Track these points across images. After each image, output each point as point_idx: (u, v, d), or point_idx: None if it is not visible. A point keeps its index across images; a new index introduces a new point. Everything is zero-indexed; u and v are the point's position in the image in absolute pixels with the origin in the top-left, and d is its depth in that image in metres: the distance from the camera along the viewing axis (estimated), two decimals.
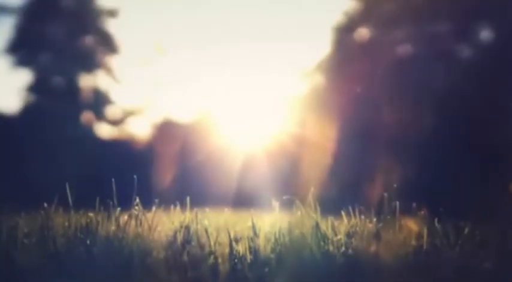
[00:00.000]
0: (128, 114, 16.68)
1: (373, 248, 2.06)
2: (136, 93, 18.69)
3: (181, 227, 2.28)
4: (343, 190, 8.50)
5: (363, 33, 14.67)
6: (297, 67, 17.25)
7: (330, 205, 2.44)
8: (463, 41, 14.03)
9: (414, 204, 2.33)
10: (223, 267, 2.08)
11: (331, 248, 2.17)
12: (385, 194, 2.29)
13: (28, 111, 16.05)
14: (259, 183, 10.44)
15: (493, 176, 9.63)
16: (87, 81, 16.69)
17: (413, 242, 2.20)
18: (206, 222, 2.30)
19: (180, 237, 2.25)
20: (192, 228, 2.28)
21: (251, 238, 2.20)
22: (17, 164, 13.06)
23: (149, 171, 10.68)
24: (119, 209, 2.30)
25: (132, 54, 18.97)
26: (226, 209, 3.06)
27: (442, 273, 1.96)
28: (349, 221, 2.32)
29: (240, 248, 2.18)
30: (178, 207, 2.39)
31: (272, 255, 2.13)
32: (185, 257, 2.12)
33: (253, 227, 2.23)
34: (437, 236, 2.25)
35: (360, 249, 2.11)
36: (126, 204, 2.31)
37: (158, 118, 16.57)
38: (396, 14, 14.02)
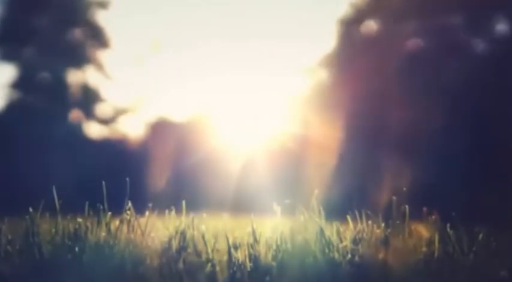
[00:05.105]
0: (119, 112, 16.67)
1: (381, 255, 2.06)
2: (128, 90, 18.66)
3: (176, 232, 2.28)
4: (349, 193, 8.50)
5: (371, 26, 14.68)
6: (299, 63, 17.24)
7: (335, 209, 2.45)
8: (477, 34, 14.04)
9: (425, 209, 2.34)
10: (222, 276, 2.09)
11: (336, 255, 2.17)
12: (394, 198, 2.30)
13: (12, 109, 16.05)
14: (259, 186, 10.44)
15: (510, 180, 9.63)
16: (75, 77, 16.68)
17: (424, 249, 2.20)
18: (203, 227, 2.30)
19: (175, 244, 2.25)
20: (188, 234, 2.28)
21: (251, 245, 2.20)
22: None
23: (142, 173, 10.68)
24: (109, 213, 2.30)
25: (124, 49, 18.94)
26: (224, 214, 3.06)
27: None
28: (355, 227, 2.32)
29: (240, 255, 2.18)
30: (173, 212, 2.39)
31: (273, 263, 2.13)
32: (181, 265, 2.12)
33: (254, 232, 2.23)
34: (449, 243, 2.25)
35: (367, 257, 2.11)
36: (117, 208, 2.31)
37: (152, 117, 16.54)
38: (406, 6, 14.02)
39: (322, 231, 2.21)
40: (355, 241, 2.24)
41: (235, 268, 2.13)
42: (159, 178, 11.03)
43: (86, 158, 13.76)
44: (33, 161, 13.53)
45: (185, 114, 19.31)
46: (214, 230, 2.61)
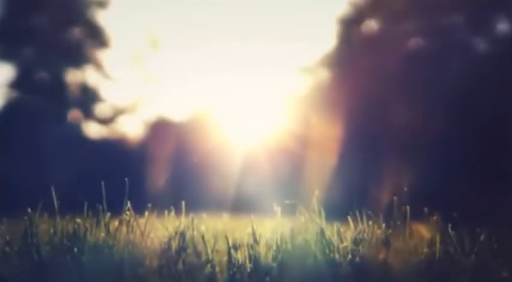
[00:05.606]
0: (118, 112, 16.67)
1: (381, 256, 2.06)
2: (128, 90, 18.66)
3: (176, 233, 2.28)
4: (350, 194, 8.50)
5: (371, 25, 14.68)
6: (299, 63, 17.24)
7: (336, 210, 2.44)
8: (478, 34, 14.04)
9: (426, 209, 2.33)
10: (221, 277, 2.09)
11: (336, 256, 2.17)
12: (395, 198, 2.29)
13: (10, 109, 16.04)
14: (259, 186, 10.44)
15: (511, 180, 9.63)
16: (74, 77, 16.68)
17: (425, 250, 2.20)
18: (203, 228, 2.30)
19: (174, 245, 2.25)
20: (188, 234, 2.28)
21: (251, 245, 2.20)
22: None
23: (142, 174, 10.67)
24: (108, 214, 2.30)
25: (123, 49, 18.94)
26: (224, 214, 3.06)
27: None
28: (356, 227, 2.32)
29: (239, 255, 2.18)
30: (172, 212, 2.39)
31: (273, 264, 2.13)
32: (180, 266, 2.12)
33: (254, 233, 2.23)
34: (451, 243, 2.25)
35: (367, 257, 2.11)
36: (116, 209, 2.31)
37: (151, 116, 16.54)
38: (407, 5, 14.02)
39: (322, 231, 2.21)
40: (356, 242, 2.24)
41: (235, 269, 2.13)
42: (158, 178, 11.03)
43: (85, 158, 13.76)
44: (31, 161, 13.53)
45: (185, 114, 19.31)
46: (214, 230, 2.61)
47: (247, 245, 2.20)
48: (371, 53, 13.80)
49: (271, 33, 17.96)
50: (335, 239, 2.23)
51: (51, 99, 16.12)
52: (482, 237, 2.29)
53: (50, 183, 2.39)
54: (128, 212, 2.30)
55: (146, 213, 2.32)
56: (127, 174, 2.57)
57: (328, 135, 11.81)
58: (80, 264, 2.10)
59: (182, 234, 2.27)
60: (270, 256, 2.18)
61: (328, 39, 18.78)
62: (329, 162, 10.67)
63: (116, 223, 2.28)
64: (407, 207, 2.28)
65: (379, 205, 2.43)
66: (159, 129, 15.29)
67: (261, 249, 2.19)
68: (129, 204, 2.31)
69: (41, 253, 2.18)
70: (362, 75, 13.22)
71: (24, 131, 14.53)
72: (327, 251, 2.18)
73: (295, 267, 2.09)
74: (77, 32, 16.92)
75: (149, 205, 2.32)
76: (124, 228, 2.27)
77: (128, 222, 2.28)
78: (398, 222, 2.27)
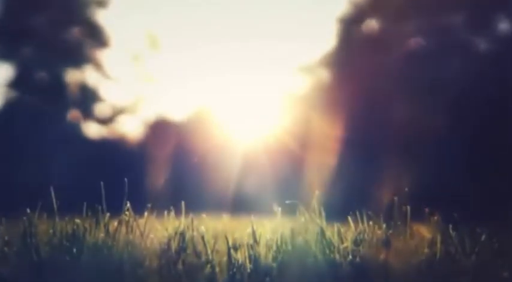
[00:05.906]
0: (118, 112, 16.67)
1: (382, 257, 2.06)
2: (127, 89, 18.66)
3: (175, 233, 2.27)
4: (350, 194, 8.50)
5: (371, 25, 14.68)
6: (299, 62, 17.24)
7: (336, 210, 2.44)
8: (478, 33, 14.04)
9: (427, 209, 2.33)
10: (221, 277, 2.08)
11: (337, 256, 2.17)
12: (396, 198, 2.29)
13: (9, 109, 16.04)
14: (259, 186, 10.44)
15: None
16: (74, 76, 16.68)
17: (426, 250, 2.19)
18: (203, 228, 2.29)
19: (174, 245, 2.25)
20: (188, 235, 2.27)
21: (251, 245, 2.19)
22: None
23: (141, 174, 10.67)
24: (108, 214, 2.30)
25: (123, 48, 18.93)
26: (224, 215, 3.06)
27: None
28: (356, 227, 2.32)
29: (239, 256, 2.18)
30: (172, 213, 2.38)
31: (273, 264, 2.12)
32: (180, 266, 2.11)
33: (254, 233, 2.23)
34: (451, 244, 2.24)
35: (368, 258, 2.11)
36: (116, 209, 2.30)
37: (151, 116, 16.54)
38: (408, 4, 14.02)
39: (322, 232, 2.21)
40: (356, 242, 2.24)
41: (235, 269, 2.12)
42: (158, 178, 11.02)
43: (84, 158, 13.75)
44: (31, 161, 13.52)
45: (185, 114, 19.30)
46: (213, 230, 2.61)
47: (247, 245, 2.19)
48: (371, 53, 13.80)
49: (271, 33, 17.96)
50: (335, 240, 2.23)
51: (51, 99, 16.11)
52: (483, 237, 2.29)
53: (49, 183, 2.38)
54: (127, 213, 2.30)
55: (146, 214, 2.32)
56: (127, 174, 2.57)
57: (328, 135, 11.81)
58: (79, 265, 2.10)
59: (182, 235, 2.27)
60: (270, 256, 2.18)
61: (328, 39, 18.79)
62: (329, 163, 10.67)
63: (115, 223, 2.28)
64: (408, 207, 2.28)
65: (379, 205, 2.43)
66: (159, 129, 15.29)
67: (261, 250, 2.19)
68: (128, 205, 2.30)
69: (40, 253, 2.17)
70: (362, 75, 13.22)
71: (24, 131, 14.52)
72: (327, 252, 2.17)
73: (295, 267, 2.08)
74: (76, 31, 16.91)
75: (149, 205, 2.32)
76: (123, 229, 2.27)
77: (128, 222, 2.28)
78: (399, 223, 2.27)
